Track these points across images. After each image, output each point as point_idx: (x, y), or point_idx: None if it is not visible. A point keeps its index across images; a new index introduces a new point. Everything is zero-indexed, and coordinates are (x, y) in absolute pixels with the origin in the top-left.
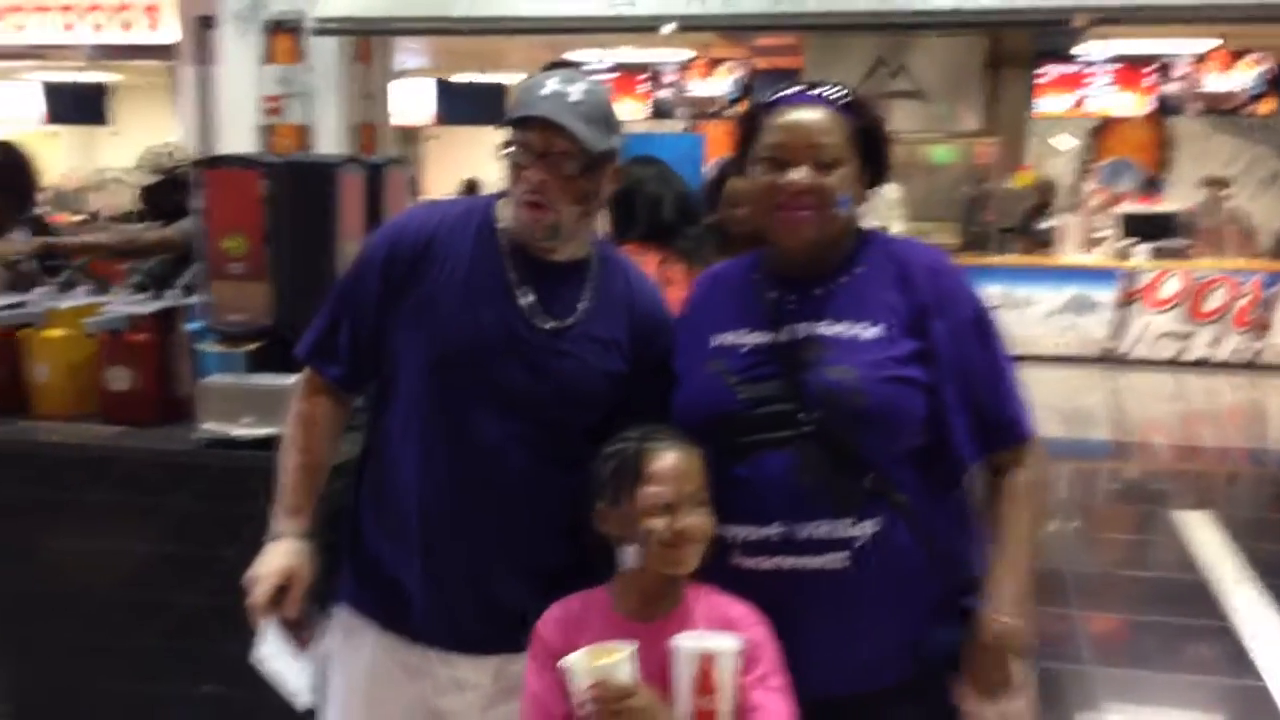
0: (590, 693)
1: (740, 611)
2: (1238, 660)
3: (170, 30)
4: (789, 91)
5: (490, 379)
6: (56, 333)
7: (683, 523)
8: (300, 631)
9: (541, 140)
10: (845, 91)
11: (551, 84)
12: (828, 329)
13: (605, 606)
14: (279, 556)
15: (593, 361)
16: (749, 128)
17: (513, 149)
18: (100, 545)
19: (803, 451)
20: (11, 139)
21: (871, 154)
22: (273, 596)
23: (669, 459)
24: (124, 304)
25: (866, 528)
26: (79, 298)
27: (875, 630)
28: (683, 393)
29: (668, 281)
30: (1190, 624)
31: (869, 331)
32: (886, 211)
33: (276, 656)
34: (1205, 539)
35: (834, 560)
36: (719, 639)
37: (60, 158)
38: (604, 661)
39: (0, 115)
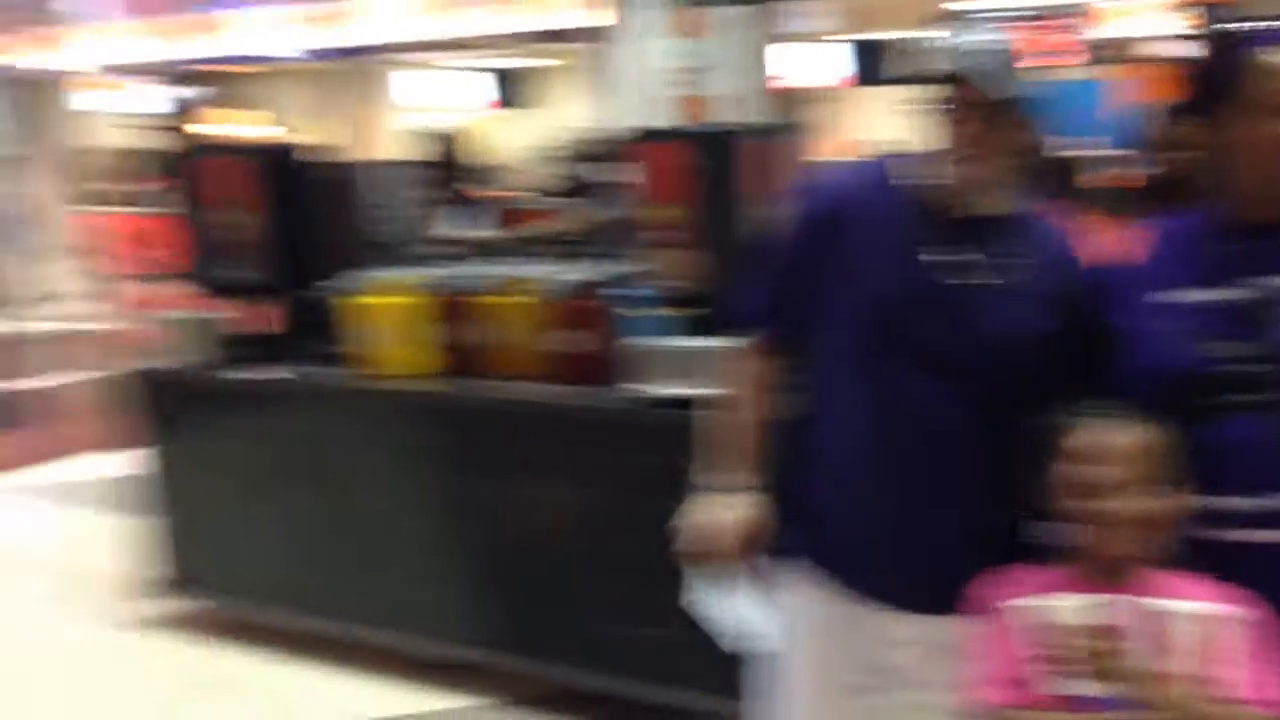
0: (1076, 636)
1: (1235, 596)
2: None
3: (595, 14)
4: (1263, 33)
5: (911, 337)
6: (512, 300)
7: (1124, 506)
8: (739, 578)
9: (976, 94)
10: None
11: (970, 37)
12: None
13: (1058, 582)
14: (726, 509)
15: (1019, 319)
16: (1225, 69)
17: (945, 105)
18: (557, 496)
19: (1270, 416)
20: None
21: None
22: (728, 546)
23: (1113, 438)
24: (573, 272)
25: None
26: (526, 267)
27: None
28: (1137, 352)
29: (1091, 231)
30: None
31: None
32: None
33: (711, 601)
34: None
35: None
36: (1183, 602)
37: (509, 139)
38: (1091, 603)
39: (453, 102)
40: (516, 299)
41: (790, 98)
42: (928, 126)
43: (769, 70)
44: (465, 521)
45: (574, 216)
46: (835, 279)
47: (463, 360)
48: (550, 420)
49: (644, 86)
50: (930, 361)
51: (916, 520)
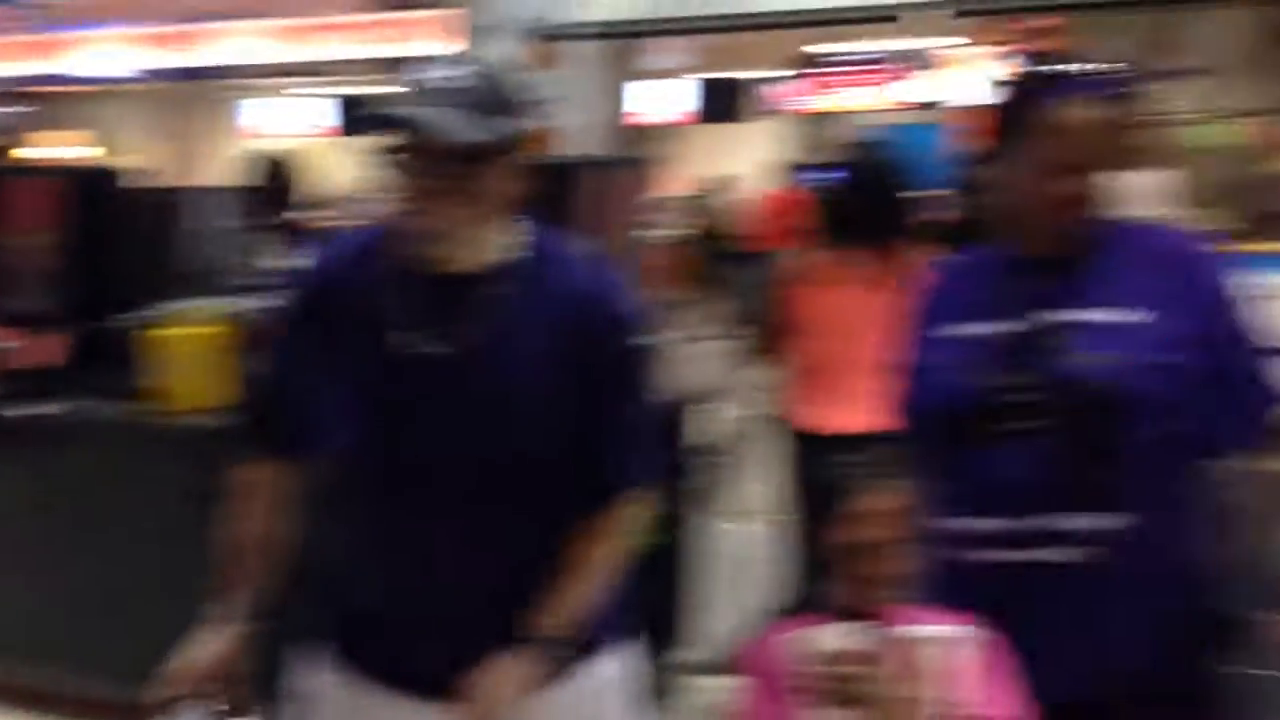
0: (828, 664)
1: (970, 623)
2: None
3: (435, 45)
4: (1060, 83)
5: (401, 425)
6: None
7: (877, 569)
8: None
9: (425, 142)
10: (1112, 79)
11: (428, 77)
12: (1080, 314)
13: (817, 616)
14: (210, 640)
15: (516, 382)
16: (1016, 118)
17: (397, 154)
18: None
19: (1050, 442)
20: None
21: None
22: (196, 682)
23: (865, 501)
24: None
25: (1115, 521)
26: None
27: (1115, 631)
28: (927, 384)
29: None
30: None
31: (1124, 317)
32: (1154, 198)
33: None
34: None
35: (1079, 555)
36: (929, 627)
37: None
38: (839, 630)
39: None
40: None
41: (641, 133)
42: (387, 179)
43: (622, 105)
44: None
45: None
46: (330, 370)
47: None
48: None
49: None
50: (432, 444)
51: (434, 606)
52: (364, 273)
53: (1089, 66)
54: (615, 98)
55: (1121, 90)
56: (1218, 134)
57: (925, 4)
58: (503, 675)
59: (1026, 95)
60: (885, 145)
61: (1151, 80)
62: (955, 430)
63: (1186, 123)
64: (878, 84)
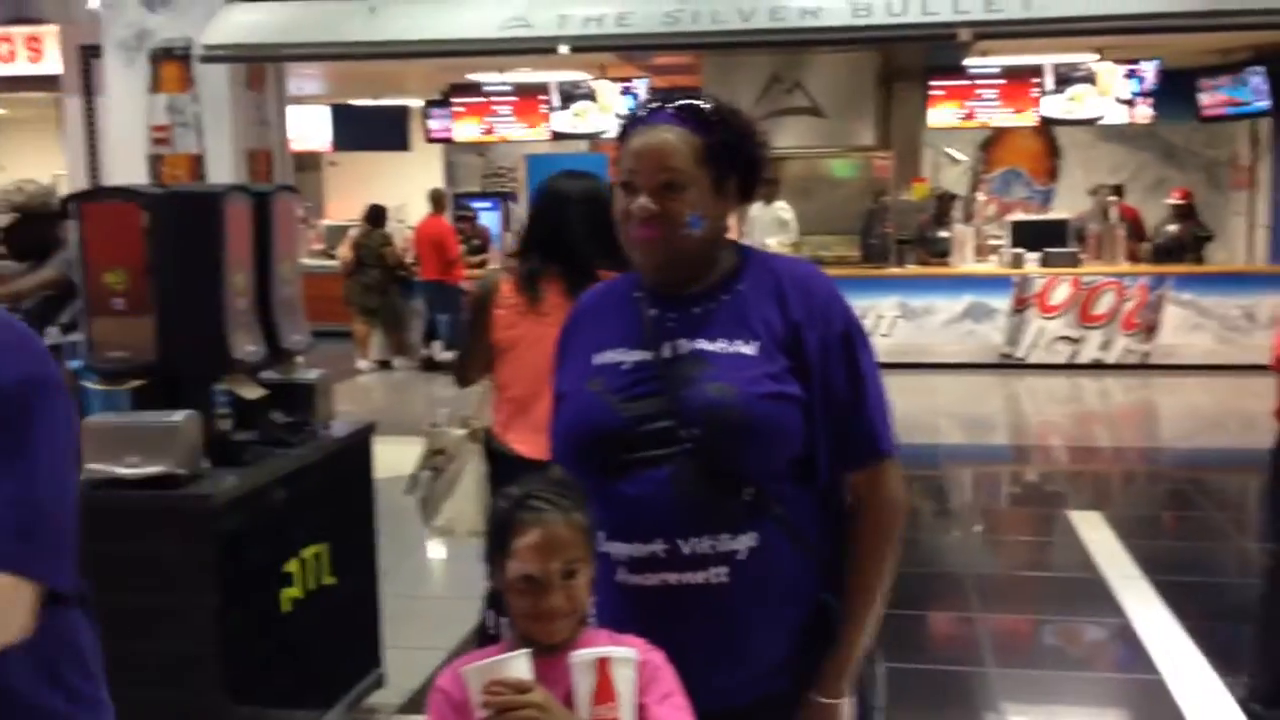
0: (488, 694)
1: (637, 642)
2: (1135, 656)
3: (54, 61)
4: (644, 112)
5: None
6: None
7: (547, 602)
8: None
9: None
10: (702, 107)
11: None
12: (707, 345)
13: (502, 651)
14: None
15: None
16: (618, 148)
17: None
18: None
19: (682, 467)
20: None
21: (738, 166)
22: None
23: (535, 534)
24: None
25: (746, 541)
26: None
27: (756, 641)
28: (565, 411)
29: None
30: (1087, 622)
31: (747, 348)
32: (771, 228)
33: None
34: (1100, 538)
35: (716, 575)
36: (615, 648)
37: None
38: (499, 659)
39: None
40: None
41: (288, 160)
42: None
43: (265, 130)
44: None
45: (26, 279)
46: None
47: None
48: None
49: (119, 142)
50: None
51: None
52: None
53: (685, 100)
54: (261, 125)
55: (712, 121)
56: (835, 168)
57: (553, 39)
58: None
59: (622, 125)
60: (585, 174)
61: (773, 117)
62: (593, 457)
63: (804, 157)
64: (535, 114)
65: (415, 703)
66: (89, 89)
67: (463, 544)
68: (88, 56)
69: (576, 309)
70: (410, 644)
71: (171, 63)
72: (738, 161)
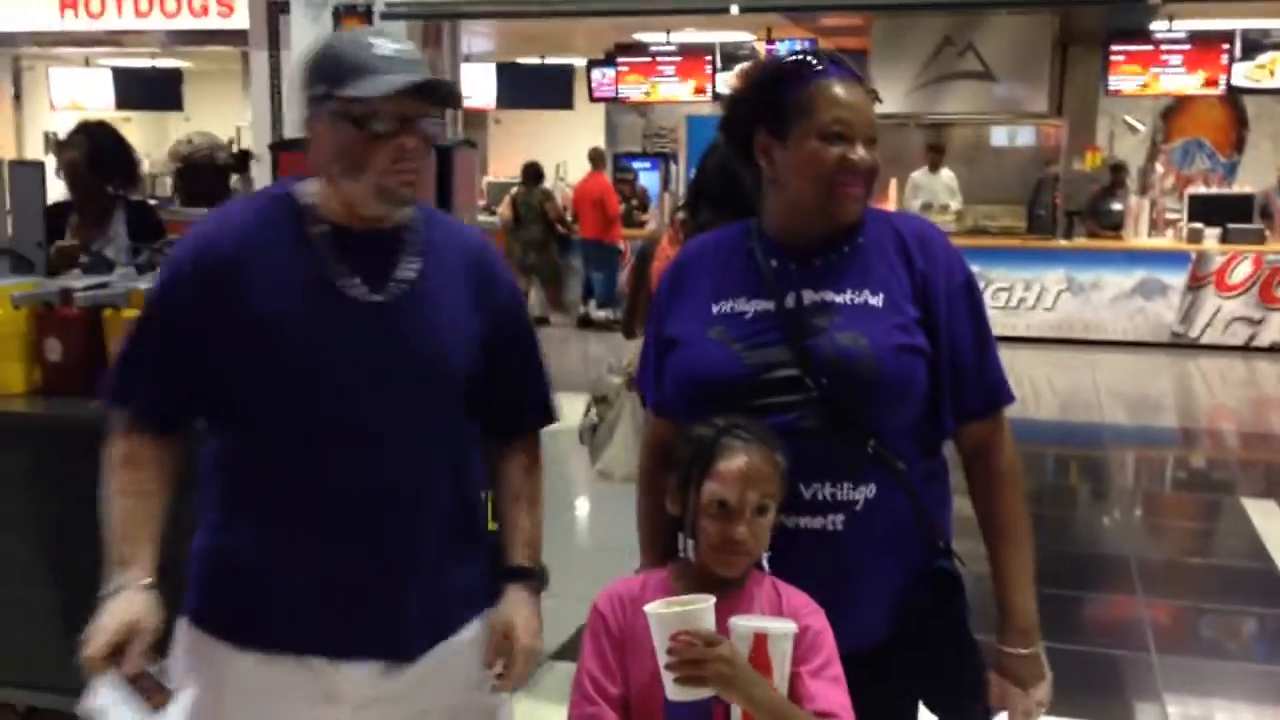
0: (677, 643)
1: (800, 600)
2: None
3: (242, 16)
4: (820, 63)
5: (326, 366)
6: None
7: (736, 530)
8: (148, 688)
9: (412, 106)
10: (855, 70)
11: (381, 43)
12: (835, 296)
13: (665, 587)
14: (118, 610)
15: (441, 329)
16: (781, 95)
17: (370, 119)
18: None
19: (808, 415)
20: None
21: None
22: (110, 652)
23: (740, 460)
24: None
25: (865, 492)
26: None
27: (864, 591)
28: (685, 359)
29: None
30: (1256, 612)
31: (874, 299)
32: (942, 194)
33: (112, 711)
34: (1275, 528)
35: (833, 522)
36: (775, 621)
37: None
38: (688, 607)
39: (73, 101)
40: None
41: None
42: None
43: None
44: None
45: None
46: (227, 340)
47: (64, 378)
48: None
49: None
50: (352, 392)
51: (356, 562)
52: (288, 233)
53: (833, 54)
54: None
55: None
56: (1006, 134)
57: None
58: (527, 613)
59: (789, 72)
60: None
61: (941, 81)
62: (716, 403)
63: (973, 124)
64: (698, 75)
65: (569, 649)
66: (275, 43)
67: (618, 492)
68: (275, 12)
69: (680, 258)
70: (563, 593)
71: (354, 19)
72: None
